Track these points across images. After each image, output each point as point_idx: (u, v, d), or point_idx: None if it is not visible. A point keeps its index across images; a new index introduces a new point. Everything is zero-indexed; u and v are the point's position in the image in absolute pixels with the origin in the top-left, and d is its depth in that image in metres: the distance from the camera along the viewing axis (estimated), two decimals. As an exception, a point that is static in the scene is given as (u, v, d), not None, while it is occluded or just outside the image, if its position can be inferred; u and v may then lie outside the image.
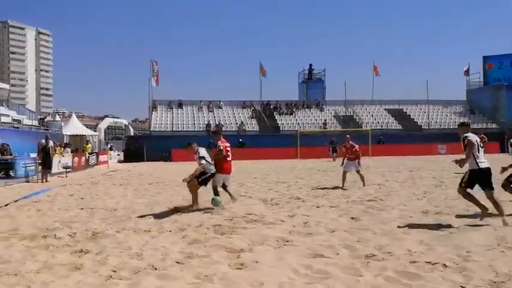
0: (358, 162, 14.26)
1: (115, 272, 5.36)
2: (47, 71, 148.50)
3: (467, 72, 48.22)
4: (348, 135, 15.46)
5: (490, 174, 7.77)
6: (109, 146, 40.65)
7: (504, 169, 8.41)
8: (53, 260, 5.92)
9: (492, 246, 6.13)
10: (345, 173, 14.24)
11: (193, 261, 5.80)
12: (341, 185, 14.01)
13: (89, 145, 32.66)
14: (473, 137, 7.87)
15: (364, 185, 13.90)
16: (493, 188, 7.73)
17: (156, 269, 5.48)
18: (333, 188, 13.85)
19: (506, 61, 47.35)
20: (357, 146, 14.42)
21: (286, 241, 6.75)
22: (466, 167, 7.83)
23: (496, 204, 7.71)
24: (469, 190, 7.90)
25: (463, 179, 8.03)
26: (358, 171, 14.24)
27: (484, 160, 7.76)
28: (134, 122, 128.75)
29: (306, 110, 46.29)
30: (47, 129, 33.00)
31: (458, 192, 8.15)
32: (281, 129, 42.18)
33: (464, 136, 7.88)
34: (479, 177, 7.77)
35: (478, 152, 7.75)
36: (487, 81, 48.21)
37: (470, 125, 8.57)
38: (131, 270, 5.42)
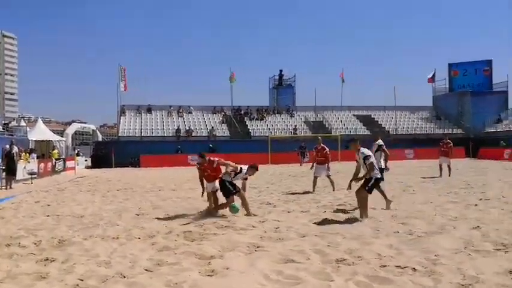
0: (328, 166, 14.35)
1: (82, 280, 5.23)
2: (11, 75, 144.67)
3: (432, 79, 49.21)
4: (319, 137, 15.60)
5: None
6: (76, 151, 39.78)
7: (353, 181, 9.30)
8: (16, 269, 5.73)
9: (459, 250, 6.25)
10: (315, 178, 14.31)
11: (163, 268, 5.71)
12: (311, 190, 14.09)
13: (56, 151, 31.91)
14: (368, 150, 9.15)
15: (334, 190, 14.00)
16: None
17: (124, 276, 5.36)
18: (304, 193, 13.90)
19: (471, 68, 48.62)
20: (328, 149, 14.54)
21: (257, 247, 6.72)
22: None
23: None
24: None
25: (367, 184, 9.00)
26: (328, 176, 14.34)
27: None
28: (102, 127, 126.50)
29: (277, 115, 46.43)
30: (12, 135, 32.13)
31: (359, 193, 9.10)
32: (252, 134, 42.16)
33: (360, 153, 9.03)
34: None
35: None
36: (453, 88, 49.40)
37: (357, 140, 9.55)
38: (99, 278, 5.30)
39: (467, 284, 4.76)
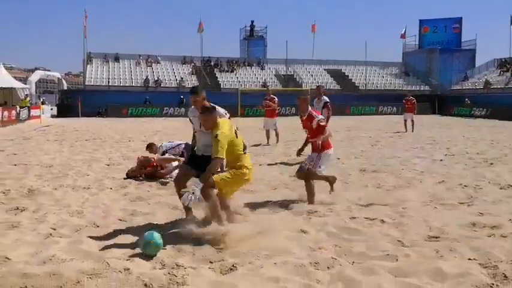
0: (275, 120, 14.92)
1: (55, 229, 5.20)
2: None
3: (404, 35, 49.48)
4: (268, 87, 15.76)
5: None
6: (41, 99, 38.71)
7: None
8: (-14, 218, 5.64)
9: (425, 203, 6.47)
10: (267, 131, 14.90)
11: (137, 218, 5.72)
12: (266, 142, 14.69)
13: (28, 98, 31.36)
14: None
15: (277, 142, 14.58)
16: None
17: (98, 226, 5.36)
18: (272, 146, 14.07)
19: (441, 25, 48.86)
20: (277, 99, 14.94)
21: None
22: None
23: None
24: None
25: None
26: (275, 130, 14.73)
27: None
28: (67, 75, 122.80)
29: (247, 68, 45.99)
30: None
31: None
32: (222, 86, 41.78)
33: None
34: None
35: None
36: (422, 45, 49.74)
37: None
38: (72, 228, 5.28)
39: (432, 236, 4.96)
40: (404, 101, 20.47)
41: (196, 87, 5.73)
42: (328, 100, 10.90)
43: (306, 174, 6.50)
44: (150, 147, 9.49)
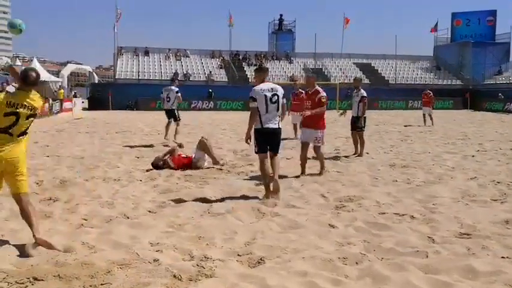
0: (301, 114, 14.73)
1: (86, 220, 5.31)
2: (4, 12, 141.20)
3: (435, 30, 48.33)
4: (296, 81, 15.46)
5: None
6: (73, 93, 39.45)
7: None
8: (20, 208, 5.78)
9: (457, 199, 6.35)
10: (294, 125, 14.63)
11: (166, 210, 5.79)
12: (294, 136, 14.48)
13: (62, 91, 32.18)
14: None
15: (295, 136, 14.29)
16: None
17: (128, 217, 5.45)
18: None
19: (474, 18, 47.53)
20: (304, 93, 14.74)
21: (258, 191, 6.80)
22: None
23: None
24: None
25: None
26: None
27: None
28: (98, 68, 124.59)
29: (275, 61, 45.81)
30: (6, 74, 31.66)
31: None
32: (250, 80, 41.76)
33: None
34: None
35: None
36: (454, 38, 48.55)
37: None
38: (102, 218, 5.38)
39: (464, 233, 4.86)
40: (422, 94, 20.74)
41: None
42: (365, 95, 10.80)
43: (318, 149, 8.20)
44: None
